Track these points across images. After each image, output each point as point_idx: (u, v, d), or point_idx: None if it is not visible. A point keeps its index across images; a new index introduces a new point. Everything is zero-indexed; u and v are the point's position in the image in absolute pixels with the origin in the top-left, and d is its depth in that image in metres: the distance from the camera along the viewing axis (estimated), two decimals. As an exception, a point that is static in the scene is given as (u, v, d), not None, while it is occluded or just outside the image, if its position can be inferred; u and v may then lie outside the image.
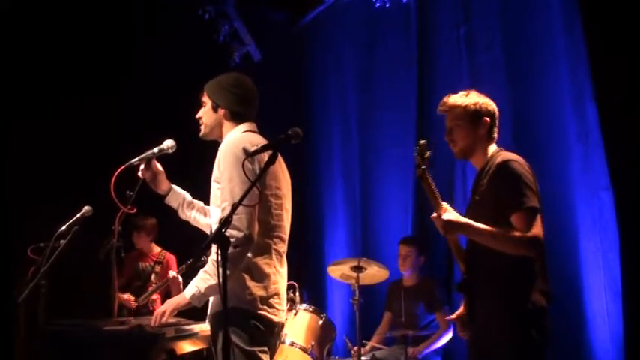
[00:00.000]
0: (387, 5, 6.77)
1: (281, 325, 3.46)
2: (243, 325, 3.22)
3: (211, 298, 3.35)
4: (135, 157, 3.72)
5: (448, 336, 5.84)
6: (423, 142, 3.36)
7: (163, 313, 3.34)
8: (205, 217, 3.73)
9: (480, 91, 3.64)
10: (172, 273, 5.93)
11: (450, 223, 3.31)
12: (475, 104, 3.48)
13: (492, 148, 3.50)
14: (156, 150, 3.76)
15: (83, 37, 6.67)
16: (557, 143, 5.50)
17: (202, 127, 3.64)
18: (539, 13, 5.68)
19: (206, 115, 3.61)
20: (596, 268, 5.17)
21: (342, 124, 7.64)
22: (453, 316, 3.64)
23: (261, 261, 3.33)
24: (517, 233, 3.19)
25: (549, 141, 5.54)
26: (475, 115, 3.46)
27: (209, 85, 3.62)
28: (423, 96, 6.67)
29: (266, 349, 3.31)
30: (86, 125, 6.60)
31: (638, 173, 4.78)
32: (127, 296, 6.32)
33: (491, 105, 3.52)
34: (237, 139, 3.43)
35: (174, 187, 3.80)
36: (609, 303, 5.08)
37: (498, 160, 3.38)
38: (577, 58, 5.28)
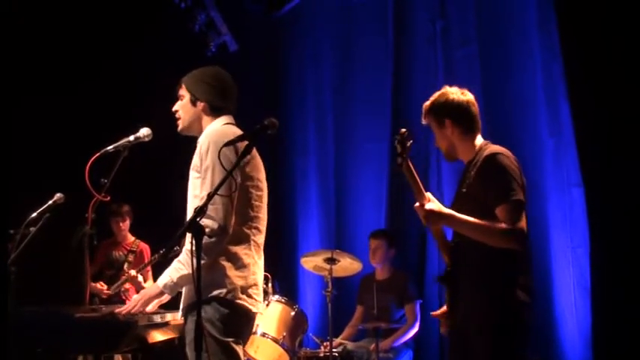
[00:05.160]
0: (365, -1, 6.80)
1: (256, 316, 3.45)
2: (219, 314, 3.21)
3: (184, 290, 3.34)
4: (110, 145, 3.71)
5: (414, 330, 5.87)
6: (404, 130, 3.30)
7: (137, 302, 3.33)
8: None
9: (455, 85, 3.58)
10: (133, 272, 5.92)
11: (433, 213, 3.27)
12: (436, 108, 3.46)
13: (479, 140, 3.46)
14: (132, 138, 3.75)
15: (57, 25, 6.61)
16: (530, 139, 5.56)
17: (180, 122, 3.56)
18: (515, 10, 5.74)
19: (184, 109, 3.53)
20: (566, 263, 5.24)
21: (317, 116, 7.63)
22: (438, 312, 3.60)
23: (241, 251, 3.32)
24: (502, 225, 3.16)
25: (522, 136, 5.59)
26: (439, 118, 3.46)
27: (188, 78, 3.54)
28: (398, 91, 6.70)
29: (240, 340, 3.30)
30: (61, 113, 6.54)
31: (608, 170, 4.85)
32: (100, 285, 6.28)
33: (455, 100, 3.44)
34: (219, 130, 3.41)
35: None
36: (578, 298, 5.15)
37: (486, 152, 3.35)
38: (551, 55, 5.34)
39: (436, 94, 3.52)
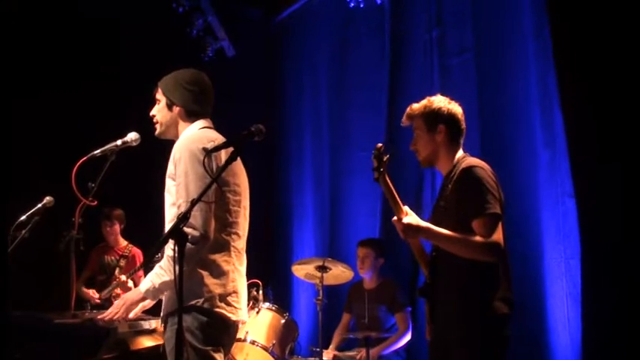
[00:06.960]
0: (362, 5, 6.78)
1: (238, 324, 3.42)
2: (198, 323, 3.19)
3: (163, 299, 3.32)
4: (98, 149, 3.70)
5: (406, 338, 5.82)
6: (380, 145, 3.38)
7: (118, 308, 3.31)
8: None
9: (450, 93, 3.66)
10: (123, 277, 5.90)
11: (410, 227, 3.30)
12: (430, 112, 3.49)
13: (459, 153, 3.50)
14: (119, 142, 3.75)
15: (50, 27, 6.59)
16: (524, 149, 5.52)
17: (157, 126, 3.55)
18: (511, 18, 5.70)
19: (160, 113, 3.52)
20: (559, 274, 5.20)
21: (313, 123, 7.63)
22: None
23: (220, 258, 3.29)
24: (477, 238, 3.20)
25: (517, 146, 5.56)
26: (431, 123, 3.48)
27: (164, 82, 3.53)
28: (394, 98, 6.66)
29: (220, 348, 3.27)
30: (51, 116, 6.52)
31: (602, 181, 4.81)
32: (92, 292, 6.25)
33: (450, 110, 3.50)
34: (194, 135, 3.39)
35: None
36: (570, 310, 5.11)
37: (462, 165, 3.38)
38: (546, 65, 5.31)
39: (429, 100, 3.55)
